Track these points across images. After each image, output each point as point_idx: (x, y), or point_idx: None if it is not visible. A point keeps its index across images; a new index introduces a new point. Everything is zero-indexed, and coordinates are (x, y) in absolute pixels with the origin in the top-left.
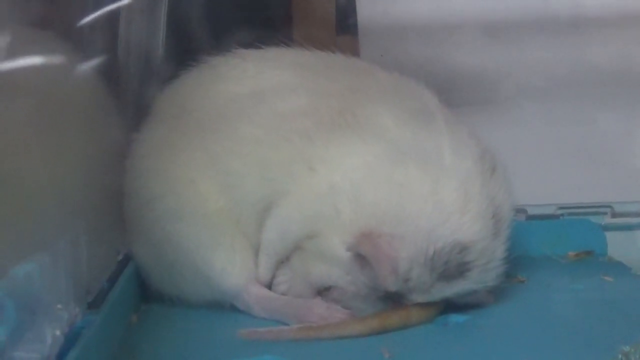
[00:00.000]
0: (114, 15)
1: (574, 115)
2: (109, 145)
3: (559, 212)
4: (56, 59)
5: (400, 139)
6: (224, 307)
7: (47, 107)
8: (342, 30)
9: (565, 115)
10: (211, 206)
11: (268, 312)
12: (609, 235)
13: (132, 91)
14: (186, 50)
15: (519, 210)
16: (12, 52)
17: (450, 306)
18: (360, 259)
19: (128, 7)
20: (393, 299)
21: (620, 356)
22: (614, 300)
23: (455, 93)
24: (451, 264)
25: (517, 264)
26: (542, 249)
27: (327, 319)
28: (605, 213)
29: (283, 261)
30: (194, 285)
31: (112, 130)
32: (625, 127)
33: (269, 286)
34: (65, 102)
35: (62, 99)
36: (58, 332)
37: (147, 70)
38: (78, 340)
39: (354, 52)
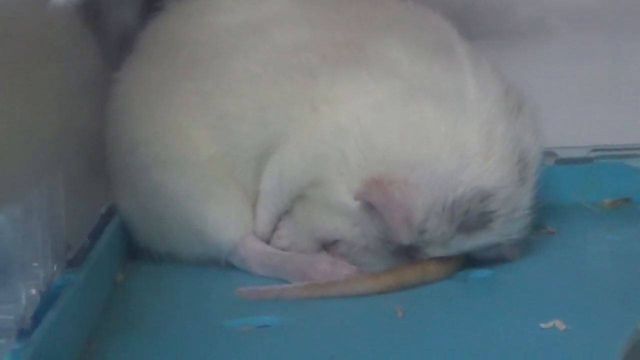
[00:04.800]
0: None
1: (608, 47)
2: (88, 86)
3: (592, 154)
4: None
5: (414, 74)
6: (219, 264)
7: (15, 42)
8: None
9: (598, 47)
10: (203, 153)
11: (267, 269)
12: None
13: (113, 25)
14: None
15: (548, 153)
16: None
17: (470, 261)
18: (370, 208)
19: None
20: (407, 254)
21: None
22: None
23: (476, 24)
24: (472, 214)
25: (546, 213)
26: (574, 196)
27: (333, 276)
28: None
29: (283, 213)
30: (185, 241)
31: (91, 68)
32: None
33: (268, 241)
34: (36, 36)
35: (32, 33)
36: (34, 291)
37: (129, 2)
38: (56, 300)
39: None
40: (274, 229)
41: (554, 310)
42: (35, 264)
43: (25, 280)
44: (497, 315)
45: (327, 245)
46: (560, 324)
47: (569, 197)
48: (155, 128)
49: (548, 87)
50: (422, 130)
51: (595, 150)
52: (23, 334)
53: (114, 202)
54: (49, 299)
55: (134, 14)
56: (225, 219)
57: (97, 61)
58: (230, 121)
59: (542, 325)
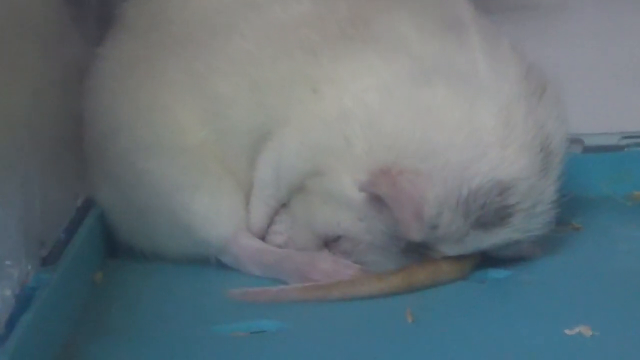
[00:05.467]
0: None
1: None
2: (66, 64)
3: (623, 142)
4: None
5: (425, 53)
6: (209, 263)
7: None
8: None
9: (631, 23)
10: (192, 138)
11: (262, 268)
12: None
13: None
14: None
15: (574, 140)
16: None
17: (488, 260)
18: (377, 201)
19: None
20: (417, 252)
21: None
22: None
23: None
24: (489, 208)
25: (571, 207)
26: (602, 188)
27: (335, 276)
28: None
29: (281, 206)
30: (171, 237)
31: (69, 44)
32: None
33: (264, 237)
34: (8, 9)
35: (4, 5)
36: (8, 292)
37: None
38: (31, 302)
39: None
40: (270, 223)
41: (579, 315)
42: (8, 262)
43: None
44: (517, 320)
45: (329, 242)
46: (586, 330)
47: (597, 189)
48: (139, 110)
49: (574, 66)
50: (435, 114)
51: (626, 137)
52: None
53: (92, 193)
54: (24, 300)
55: None
56: (216, 213)
57: (74, 36)
58: (222, 103)
59: (567, 332)
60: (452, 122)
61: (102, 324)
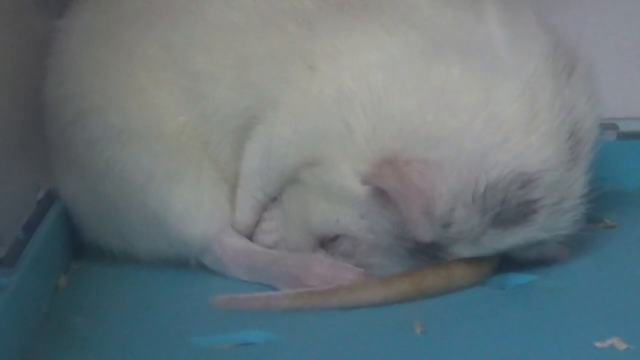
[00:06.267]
0: None
1: None
2: (23, 39)
3: None
4: None
5: (437, 25)
6: (188, 265)
7: None
8: None
9: None
10: (169, 124)
11: (249, 271)
12: None
13: None
14: None
15: (607, 126)
16: None
17: (508, 263)
18: (381, 195)
19: None
20: (427, 253)
21: None
22: None
23: None
24: (510, 204)
25: (604, 202)
26: (639, 180)
27: (333, 281)
28: None
29: (270, 200)
30: (144, 235)
31: (27, 17)
32: None
33: (251, 236)
34: None
35: None
36: None
37: None
38: None
39: None
40: (259, 220)
41: (611, 326)
42: None
43: None
44: (540, 332)
45: (326, 242)
46: (619, 343)
47: (632, 182)
48: (108, 91)
49: (608, 42)
50: (448, 95)
51: None
52: None
53: (55, 185)
54: None
55: None
56: (197, 207)
57: (31, 7)
58: (204, 83)
59: (597, 345)
60: (468, 105)
61: (66, 335)
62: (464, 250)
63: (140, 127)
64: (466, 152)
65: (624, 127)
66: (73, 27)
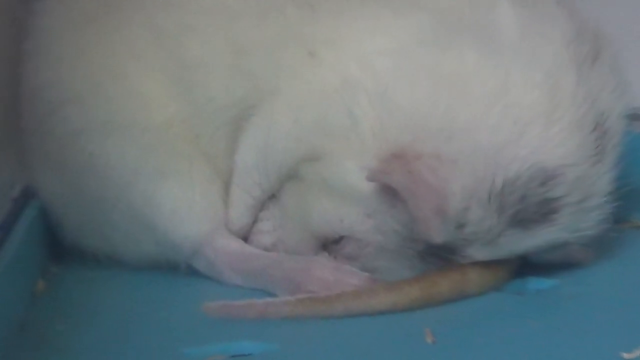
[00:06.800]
0: None
1: None
2: None
3: None
4: None
5: (449, 7)
6: (178, 269)
7: None
8: None
9: None
10: (157, 114)
11: (245, 276)
12: None
13: None
14: None
15: (635, 117)
16: None
17: (527, 267)
18: (389, 193)
19: None
20: (439, 256)
21: None
22: None
23: None
24: (529, 202)
25: (631, 200)
26: None
27: (336, 286)
28: None
29: (268, 198)
30: (130, 237)
31: None
32: None
33: (247, 237)
34: None
35: None
36: None
37: None
38: None
39: None
40: (255, 220)
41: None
42: None
43: None
44: (563, 341)
45: (329, 244)
46: None
47: None
48: (90, 79)
49: (636, 28)
50: (461, 84)
51: None
52: None
53: (31, 182)
54: None
55: None
56: (187, 206)
57: None
58: (195, 70)
59: (624, 355)
60: (484, 94)
61: (44, 344)
62: (479, 253)
63: (125, 119)
64: (481, 145)
65: None
66: (52, 8)
